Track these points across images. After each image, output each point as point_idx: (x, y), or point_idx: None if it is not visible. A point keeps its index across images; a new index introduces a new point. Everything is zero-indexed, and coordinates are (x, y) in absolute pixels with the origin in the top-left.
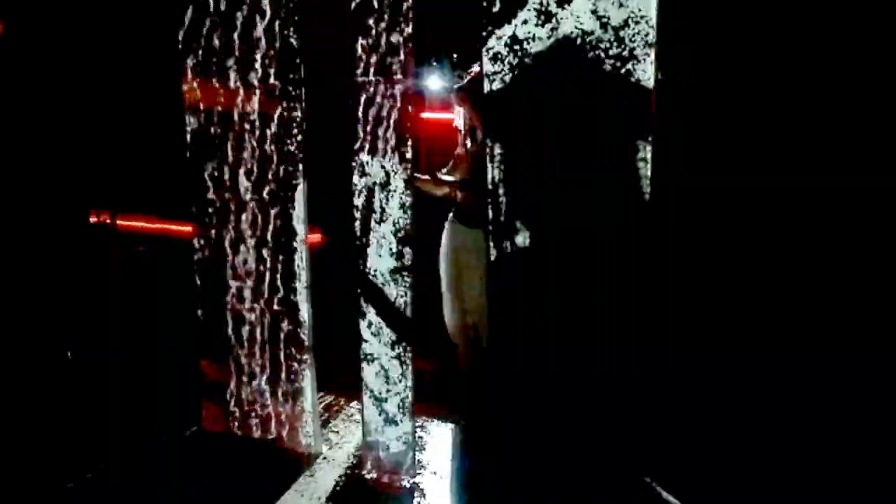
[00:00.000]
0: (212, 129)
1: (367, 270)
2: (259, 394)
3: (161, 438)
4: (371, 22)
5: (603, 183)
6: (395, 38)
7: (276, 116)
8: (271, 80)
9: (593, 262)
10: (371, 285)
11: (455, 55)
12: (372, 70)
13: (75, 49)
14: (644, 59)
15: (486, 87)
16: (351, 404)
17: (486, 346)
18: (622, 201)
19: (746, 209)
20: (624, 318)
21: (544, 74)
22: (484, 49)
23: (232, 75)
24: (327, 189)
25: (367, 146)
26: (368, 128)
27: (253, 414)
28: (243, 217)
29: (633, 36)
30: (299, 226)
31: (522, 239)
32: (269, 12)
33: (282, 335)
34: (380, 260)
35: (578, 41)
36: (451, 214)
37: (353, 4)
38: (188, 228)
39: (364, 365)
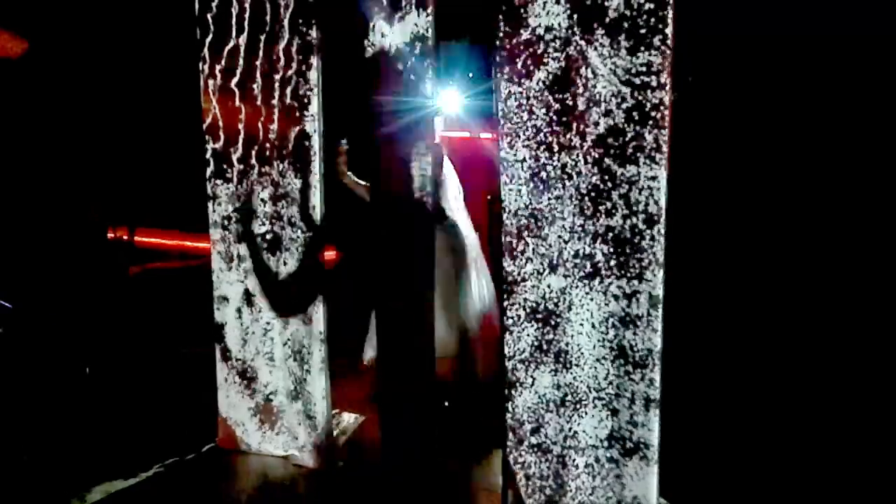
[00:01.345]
0: (231, 149)
1: None
2: (274, 410)
3: (175, 455)
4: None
5: None
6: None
7: (293, 135)
8: (288, 101)
9: None
10: None
11: (470, 74)
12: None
13: (95, 67)
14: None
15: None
16: (365, 418)
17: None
18: None
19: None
20: None
21: None
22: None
23: (252, 96)
24: (343, 208)
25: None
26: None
27: (267, 430)
28: (261, 232)
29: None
30: (317, 242)
31: None
32: (287, 35)
33: (297, 348)
34: None
35: None
36: None
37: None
38: (206, 245)
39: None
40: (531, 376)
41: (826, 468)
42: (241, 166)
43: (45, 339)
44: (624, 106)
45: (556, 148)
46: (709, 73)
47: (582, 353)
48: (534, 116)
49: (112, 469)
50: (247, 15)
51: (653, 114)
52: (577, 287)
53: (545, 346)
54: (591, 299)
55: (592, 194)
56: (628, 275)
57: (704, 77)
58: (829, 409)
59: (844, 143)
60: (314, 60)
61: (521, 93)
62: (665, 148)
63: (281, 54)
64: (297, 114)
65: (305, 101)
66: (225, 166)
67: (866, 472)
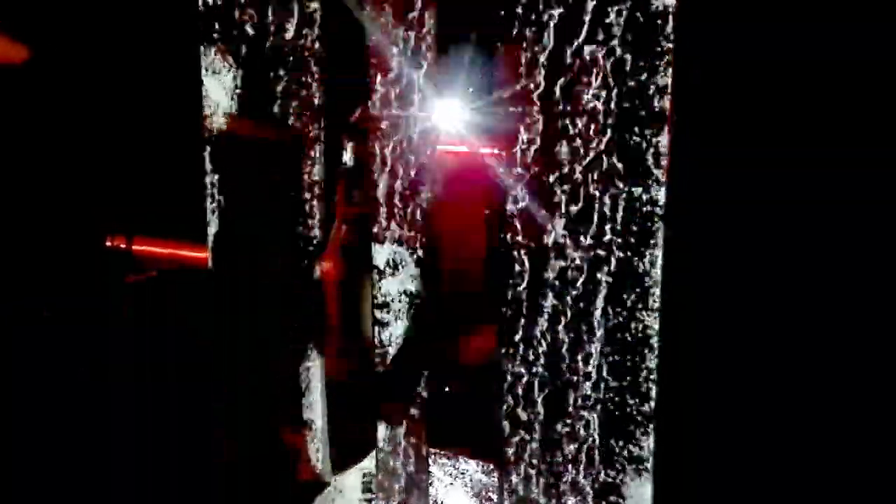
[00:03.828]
0: (231, 162)
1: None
2: (268, 417)
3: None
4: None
5: None
6: (414, 73)
7: (291, 146)
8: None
9: None
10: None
11: (470, 89)
12: (392, 105)
13: (93, 70)
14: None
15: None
16: (363, 427)
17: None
18: None
19: None
20: None
21: None
22: None
23: (253, 110)
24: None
25: (385, 177)
26: (387, 160)
27: (261, 437)
28: (259, 238)
29: None
30: (314, 248)
31: None
32: (290, 49)
33: (293, 354)
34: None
35: None
36: None
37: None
38: (204, 255)
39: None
40: None
41: (827, 481)
42: (243, 178)
43: (42, 344)
44: None
45: None
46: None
47: None
48: None
49: (103, 481)
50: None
51: None
52: None
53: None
54: None
55: None
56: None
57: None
58: (833, 419)
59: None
60: (317, 79)
61: None
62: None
63: (282, 71)
64: (297, 126)
65: (305, 119)
66: (225, 178)
67: (866, 483)
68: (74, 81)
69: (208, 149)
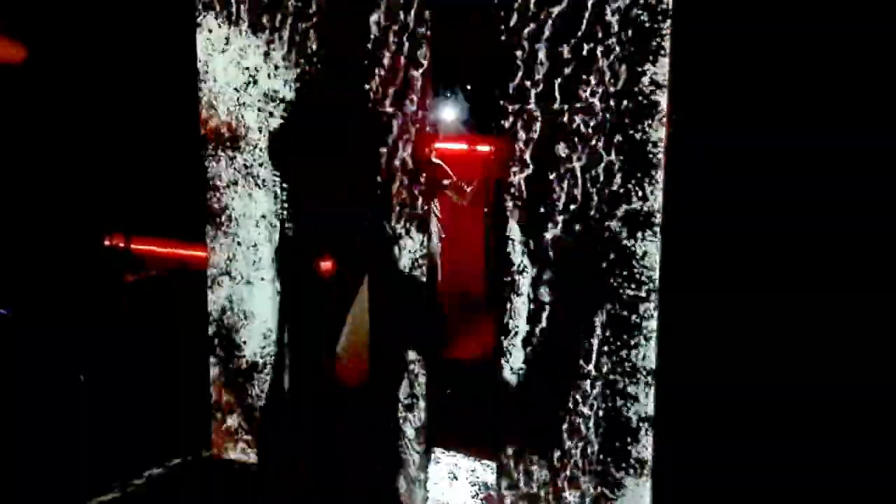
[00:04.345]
0: (230, 160)
1: None
2: (270, 421)
3: (170, 464)
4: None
5: None
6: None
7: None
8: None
9: None
10: None
11: (468, 87)
12: (388, 101)
13: (91, 68)
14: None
15: None
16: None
17: None
18: None
19: None
20: None
21: None
22: None
23: (250, 108)
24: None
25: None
26: (385, 157)
27: (263, 441)
28: (257, 238)
29: None
30: (313, 251)
31: None
32: (286, 47)
33: (294, 359)
34: None
35: None
36: None
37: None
38: (202, 254)
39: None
40: None
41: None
42: (242, 173)
43: (40, 345)
44: None
45: None
46: None
47: None
48: None
49: (104, 478)
50: None
51: None
52: None
53: None
54: None
55: None
56: None
57: None
58: (832, 421)
59: None
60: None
61: None
62: None
63: (279, 67)
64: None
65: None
66: (224, 176)
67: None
68: (74, 82)
69: (208, 147)
